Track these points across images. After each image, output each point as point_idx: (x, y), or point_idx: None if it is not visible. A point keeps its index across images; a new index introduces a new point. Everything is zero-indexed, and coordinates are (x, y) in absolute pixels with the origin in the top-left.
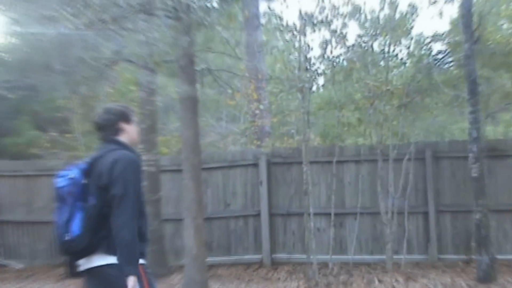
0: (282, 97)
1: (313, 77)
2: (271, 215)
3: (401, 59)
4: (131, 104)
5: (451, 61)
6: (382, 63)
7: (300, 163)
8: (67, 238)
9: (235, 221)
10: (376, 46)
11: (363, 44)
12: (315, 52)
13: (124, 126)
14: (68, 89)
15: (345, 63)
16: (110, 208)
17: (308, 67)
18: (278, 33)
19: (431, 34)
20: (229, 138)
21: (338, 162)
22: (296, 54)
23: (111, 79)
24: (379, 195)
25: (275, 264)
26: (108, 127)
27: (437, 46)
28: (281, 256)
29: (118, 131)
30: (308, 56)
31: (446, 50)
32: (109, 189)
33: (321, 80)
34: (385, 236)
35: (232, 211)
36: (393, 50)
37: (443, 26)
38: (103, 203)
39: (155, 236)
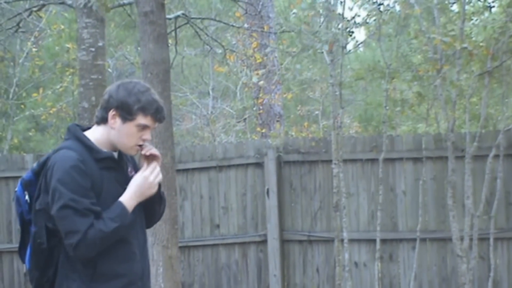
0: (300, 60)
1: (349, 29)
2: (284, 242)
3: (485, 0)
4: (65, 70)
5: None
6: (455, 7)
7: (329, 161)
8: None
9: (227, 251)
10: None
11: None
12: None
13: (115, 120)
14: None
15: (398, 7)
16: (55, 237)
17: (341, 13)
18: None
19: None
20: (218, 123)
21: (387, 160)
22: None
23: (35, 32)
24: (450, 211)
25: None
26: (98, 110)
27: None
28: None
29: (103, 120)
30: None
31: None
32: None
33: (360, 34)
34: (459, 274)
35: (223, 236)
36: None
37: None
38: (43, 230)
39: None
